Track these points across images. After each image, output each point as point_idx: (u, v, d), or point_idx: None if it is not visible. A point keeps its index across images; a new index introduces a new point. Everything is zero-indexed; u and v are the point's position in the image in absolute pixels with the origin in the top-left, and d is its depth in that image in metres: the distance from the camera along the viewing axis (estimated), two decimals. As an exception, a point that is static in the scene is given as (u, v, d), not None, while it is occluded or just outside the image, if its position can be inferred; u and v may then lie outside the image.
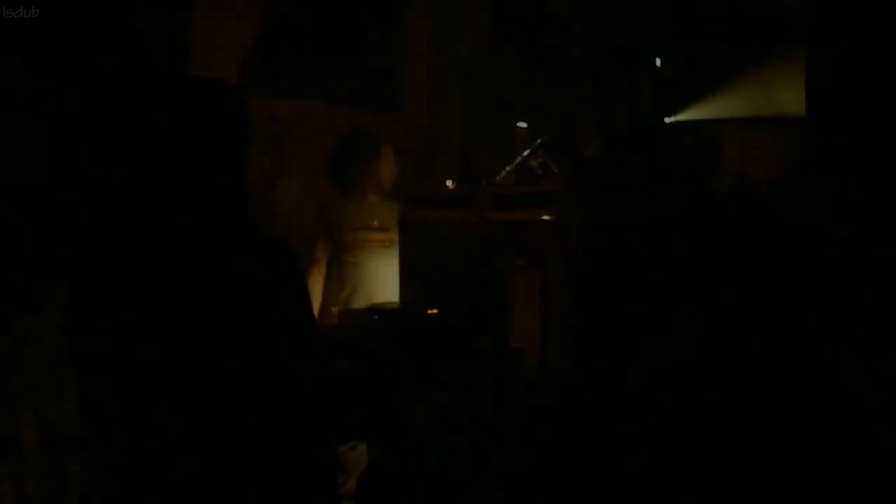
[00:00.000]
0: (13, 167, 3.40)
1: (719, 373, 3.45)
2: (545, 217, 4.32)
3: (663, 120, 11.76)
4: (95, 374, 3.71)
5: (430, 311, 3.86)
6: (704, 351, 3.63)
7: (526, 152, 4.75)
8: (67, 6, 3.51)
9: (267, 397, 2.03)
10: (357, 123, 5.09)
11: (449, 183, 4.48)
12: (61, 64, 3.52)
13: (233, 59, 4.72)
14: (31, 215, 3.45)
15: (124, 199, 2.12)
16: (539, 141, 4.78)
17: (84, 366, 3.66)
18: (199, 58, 4.30)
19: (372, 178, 4.84)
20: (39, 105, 3.49)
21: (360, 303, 4.60)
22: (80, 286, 3.58)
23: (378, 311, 3.88)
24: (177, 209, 2.04)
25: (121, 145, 2.07)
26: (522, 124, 6.21)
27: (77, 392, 3.65)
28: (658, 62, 11.89)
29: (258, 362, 2.00)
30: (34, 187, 3.46)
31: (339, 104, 5.76)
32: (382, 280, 4.71)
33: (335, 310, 4.60)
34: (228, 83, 2.12)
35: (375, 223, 4.80)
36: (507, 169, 4.70)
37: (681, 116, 11.96)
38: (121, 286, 2.13)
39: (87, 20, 3.60)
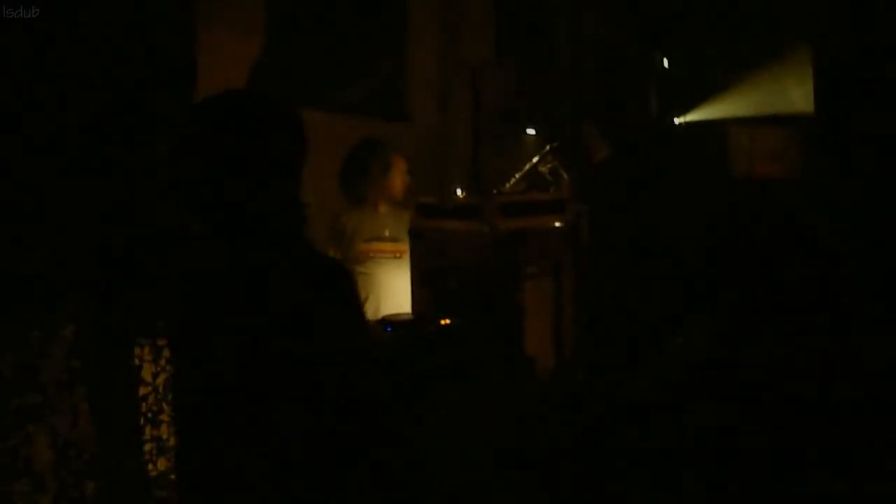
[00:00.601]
0: (36, 189, 3.42)
1: (734, 373, 3.45)
2: (556, 224, 4.31)
3: (672, 121, 11.76)
4: (111, 394, 3.75)
5: (442, 321, 3.86)
6: (718, 352, 3.63)
7: (535, 159, 4.75)
8: (78, 24, 3.54)
9: (323, 413, 2.02)
10: (366, 134, 5.09)
11: (459, 192, 4.47)
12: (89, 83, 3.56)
13: (240, 71, 4.72)
14: (56, 236, 3.48)
15: (176, 215, 2.14)
16: (548, 147, 4.78)
17: (99, 386, 3.70)
18: (207, 70, 4.31)
19: (383, 190, 4.83)
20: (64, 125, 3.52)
21: (371, 313, 4.59)
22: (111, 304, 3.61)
23: (390, 322, 3.88)
24: (232, 227, 2.05)
25: (175, 164, 2.08)
26: (531, 131, 6.21)
27: (91, 411, 3.69)
28: (665, 63, 11.90)
29: (312, 379, 2.00)
30: (59, 209, 3.49)
31: (346, 114, 5.76)
32: (394, 290, 4.70)
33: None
34: (286, 102, 2.10)
35: (387, 233, 4.80)
36: (517, 176, 4.70)
37: (689, 117, 11.96)
38: (175, 301, 2.13)
39: (95, 35, 3.63)
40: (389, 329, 3.77)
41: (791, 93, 10.47)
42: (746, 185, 9.87)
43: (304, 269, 2.03)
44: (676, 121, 11.86)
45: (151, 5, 3.90)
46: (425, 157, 6.38)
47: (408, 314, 4.20)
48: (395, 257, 4.78)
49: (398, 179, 4.86)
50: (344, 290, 2.05)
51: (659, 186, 7.86)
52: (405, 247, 4.76)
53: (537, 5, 8.59)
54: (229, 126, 2.02)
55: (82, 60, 3.55)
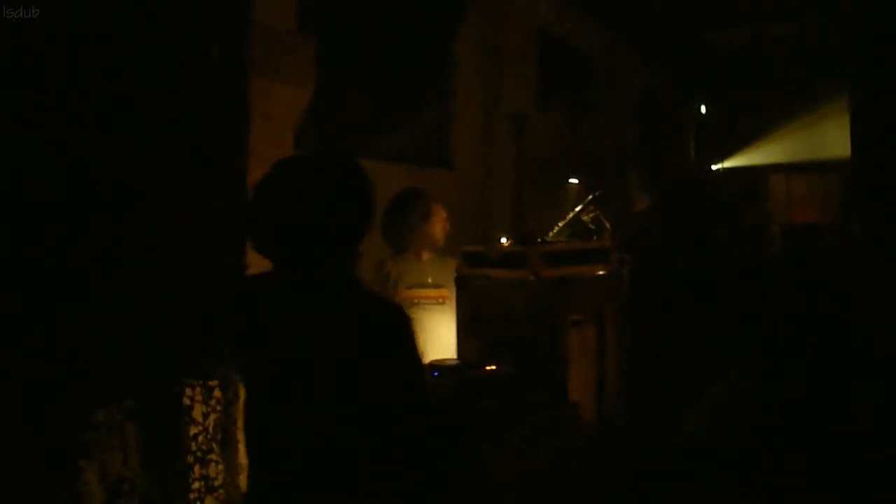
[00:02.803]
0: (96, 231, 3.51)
1: (776, 419, 3.47)
2: (599, 272, 4.37)
3: (711, 168, 11.78)
4: (162, 434, 3.82)
5: (488, 368, 3.91)
6: (761, 398, 3.65)
7: (578, 208, 4.81)
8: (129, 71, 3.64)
9: (381, 448, 2.09)
10: (408, 183, 5.18)
11: (503, 240, 4.54)
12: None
13: (291, 119, 4.81)
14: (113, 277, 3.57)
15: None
16: (591, 196, 4.84)
17: (150, 425, 3.77)
18: (258, 119, 4.40)
19: (424, 238, 4.90)
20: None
21: None
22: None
23: (438, 367, 3.93)
24: (306, 274, 2.16)
25: (258, 211, 2.19)
26: (574, 180, 6.28)
27: (141, 450, 3.76)
28: (703, 110, 11.95)
29: (371, 415, 2.07)
30: (118, 254, 3.58)
31: (391, 162, 5.83)
32: (438, 335, 4.76)
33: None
34: (357, 163, 2.24)
35: (430, 280, 4.86)
36: (560, 225, 4.76)
37: (728, 163, 11.99)
38: (252, 343, 2.22)
39: (150, 84, 3.73)
40: (436, 374, 3.83)
41: (828, 138, 10.47)
42: (785, 231, 9.87)
43: (372, 314, 2.13)
44: (715, 167, 11.89)
45: (205, 54, 4.00)
46: (469, 205, 6.45)
47: (454, 360, 4.26)
48: (439, 303, 4.85)
49: (438, 227, 4.93)
50: (407, 334, 2.14)
51: (698, 233, 7.88)
52: (448, 292, 4.83)
53: (578, 55, 8.68)
54: (318, 187, 2.16)
55: (138, 115, 3.66)
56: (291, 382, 2.09)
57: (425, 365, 4.03)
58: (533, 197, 6.38)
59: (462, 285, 4.54)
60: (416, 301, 4.81)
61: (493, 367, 3.91)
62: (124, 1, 3.64)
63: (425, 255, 4.93)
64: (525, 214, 5.38)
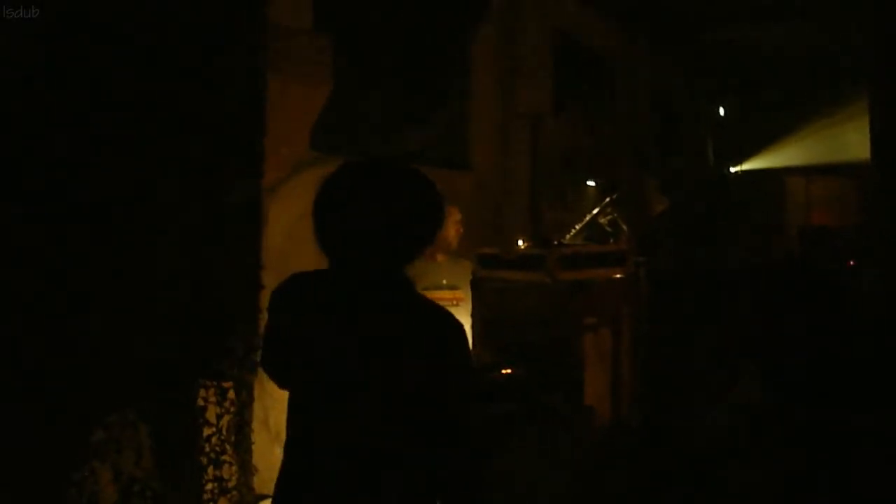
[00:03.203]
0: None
1: (789, 422, 3.45)
2: (616, 276, 4.35)
3: (728, 170, 11.73)
4: (175, 434, 3.81)
5: (503, 371, 3.89)
6: (773, 401, 3.63)
7: (595, 210, 4.79)
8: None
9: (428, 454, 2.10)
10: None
11: (520, 243, 4.51)
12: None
13: (307, 118, 4.80)
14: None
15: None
16: (608, 199, 4.81)
17: (164, 426, 3.76)
18: (274, 117, 4.39)
19: (437, 240, 4.87)
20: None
21: None
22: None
23: (452, 371, 3.91)
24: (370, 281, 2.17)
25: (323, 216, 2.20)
26: (591, 182, 6.25)
27: (155, 451, 3.76)
28: (721, 112, 11.90)
29: (422, 418, 2.08)
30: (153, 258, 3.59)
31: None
32: None
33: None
34: (417, 170, 2.25)
35: (444, 282, 4.84)
36: (577, 227, 4.73)
37: (746, 166, 11.93)
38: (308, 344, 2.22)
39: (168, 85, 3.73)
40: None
41: (847, 141, 10.41)
42: (803, 233, 9.82)
43: (431, 322, 2.15)
44: (733, 170, 11.84)
45: (222, 54, 3.99)
46: (486, 206, 6.42)
47: (470, 364, 4.23)
48: (454, 304, 4.83)
49: (451, 229, 4.89)
50: (462, 340, 2.15)
51: (716, 235, 7.85)
52: (463, 294, 4.82)
53: (596, 56, 8.65)
54: (396, 195, 2.18)
55: (155, 114, 3.66)
56: (337, 384, 2.10)
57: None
58: (549, 198, 6.36)
59: (477, 287, 4.52)
60: None
61: (508, 371, 3.89)
62: (143, 2, 3.65)
63: (439, 257, 4.91)
64: (541, 216, 5.36)
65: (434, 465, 2.06)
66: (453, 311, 4.63)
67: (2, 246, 3.16)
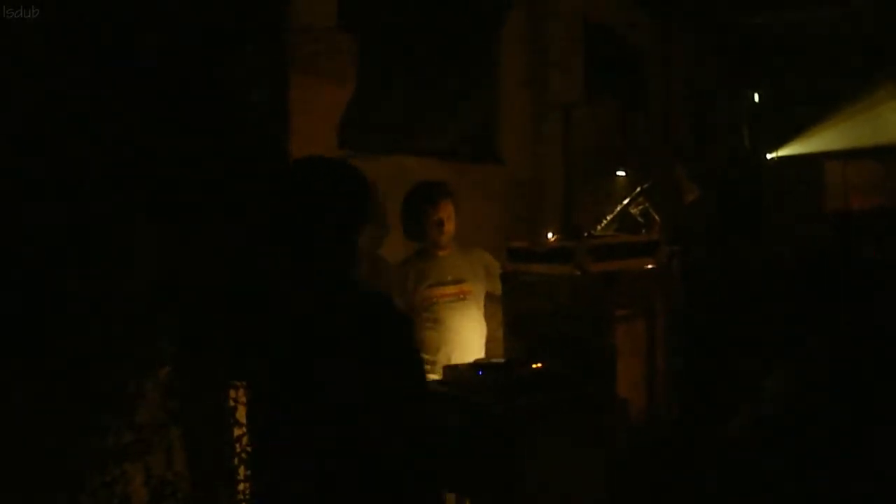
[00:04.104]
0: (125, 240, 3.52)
1: (825, 415, 3.40)
2: (648, 266, 4.30)
3: (765, 156, 11.61)
4: (206, 435, 3.82)
5: (534, 365, 3.86)
6: (811, 392, 3.59)
7: (626, 200, 4.74)
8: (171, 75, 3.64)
9: (375, 446, 2.11)
10: (456, 179, 5.13)
11: (550, 235, 4.47)
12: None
13: (332, 116, 4.79)
14: (144, 279, 3.57)
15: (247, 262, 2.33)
16: (639, 189, 4.76)
17: (194, 427, 3.77)
18: (299, 116, 4.38)
19: (431, 231, 4.82)
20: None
21: (444, 357, 4.61)
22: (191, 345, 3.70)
23: (482, 366, 3.89)
24: (298, 272, 2.22)
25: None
26: (622, 172, 6.19)
27: (186, 452, 3.77)
28: (756, 98, 11.78)
29: (368, 413, 2.09)
30: (146, 254, 3.59)
31: (439, 159, 5.77)
32: (462, 331, 4.74)
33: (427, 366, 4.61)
34: (354, 168, 2.34)
35: (448, 277, 4.81)
36: (608, 218, 4.68)
37: (782, 152, 11.80)
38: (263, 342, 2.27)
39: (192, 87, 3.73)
40: (481, 373, 3.78)
41: (885, 124, 10.30)
42: (840, 218, 9.72)
43: (368, 319, 2.18)
44: (769, 156, 11.71)
45: (245, 51, 3.99)
46: (519, 198, 6.38)
47: (500, 358, 4.21)
48: (460, 299, 4.81)
49: (448, 224, 4.83)
50: (399, 335, 2.18)
51: (751, 223, 7.77)
52: (470, 286, 4.81)
53: (627, 45, 8.58)
54: (320, 188, 2.32)
55: (180, 114, 3.66)
56: (289, 383, 2.13)
57: (470, 364, 4.01)
58: (581, 189, 6.31)
59: (507, 281, 4.49)
60: (434, 300, 4.77)
61: (540, 365, 3.85)
62: (167, 1, 3.65)
63: (445, 251, 4.87)
64: (575, 207, 5.32)
65: (387, 465, 2.07)
66: (460, 305, 4.67)
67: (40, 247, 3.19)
